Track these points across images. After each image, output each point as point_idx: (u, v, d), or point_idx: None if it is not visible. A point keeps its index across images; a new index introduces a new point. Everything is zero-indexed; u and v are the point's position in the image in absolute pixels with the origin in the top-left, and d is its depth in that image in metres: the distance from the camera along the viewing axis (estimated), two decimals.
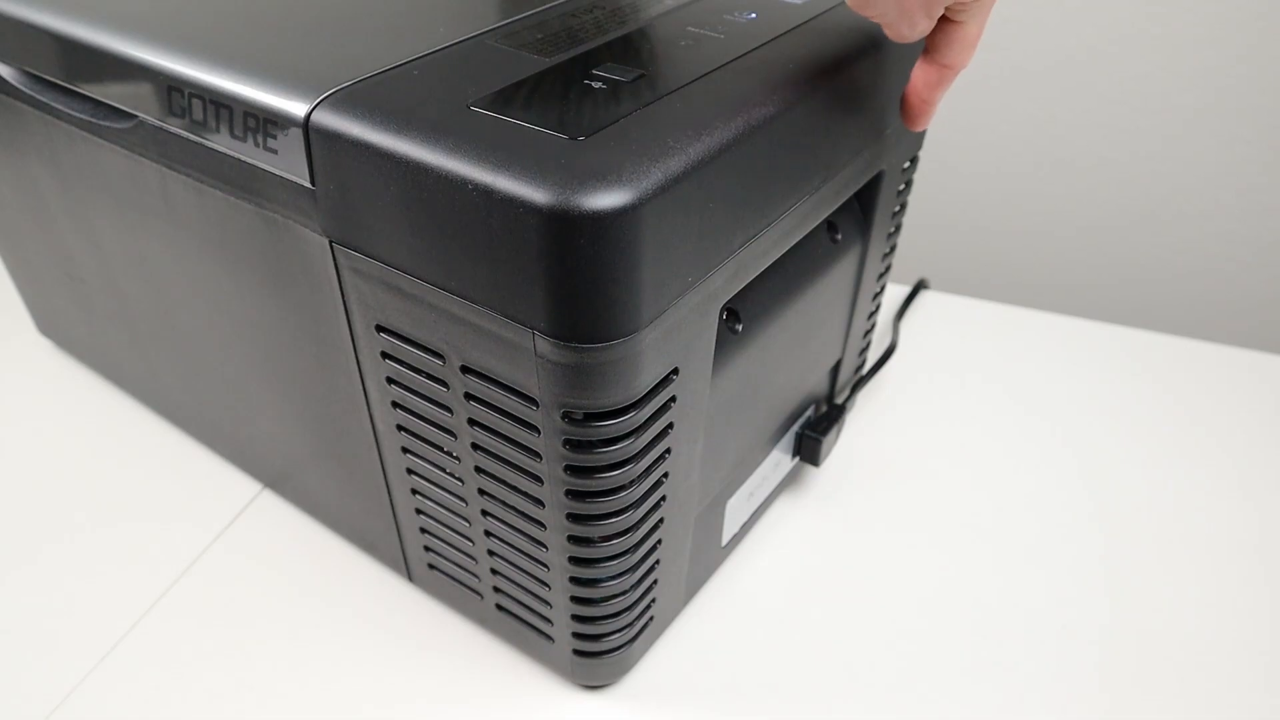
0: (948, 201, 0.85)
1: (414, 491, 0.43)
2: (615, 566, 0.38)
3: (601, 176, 0.28)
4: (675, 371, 0.34)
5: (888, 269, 0.53)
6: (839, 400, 0.55)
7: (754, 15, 0.40)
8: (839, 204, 0.42)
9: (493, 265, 0.30)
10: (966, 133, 0.81)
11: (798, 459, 0.54)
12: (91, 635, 0.47)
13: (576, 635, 0.42)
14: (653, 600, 0.43)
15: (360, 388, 0.40)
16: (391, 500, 0.45)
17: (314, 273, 0.37)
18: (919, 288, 0.73)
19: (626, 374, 0.32)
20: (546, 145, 0.29)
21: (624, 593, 0.40)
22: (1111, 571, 0.52)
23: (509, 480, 0.37)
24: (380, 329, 0.36)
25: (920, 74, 0.38)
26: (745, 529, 0.52)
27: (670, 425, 0.36)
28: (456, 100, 0.32)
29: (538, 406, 0.33)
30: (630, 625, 0.42)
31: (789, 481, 0.56)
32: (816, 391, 0.52)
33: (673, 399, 0.35)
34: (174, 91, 0.37)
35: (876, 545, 0.53)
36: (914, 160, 0.49)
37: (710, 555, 0.48)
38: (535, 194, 0.28)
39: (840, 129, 0.39)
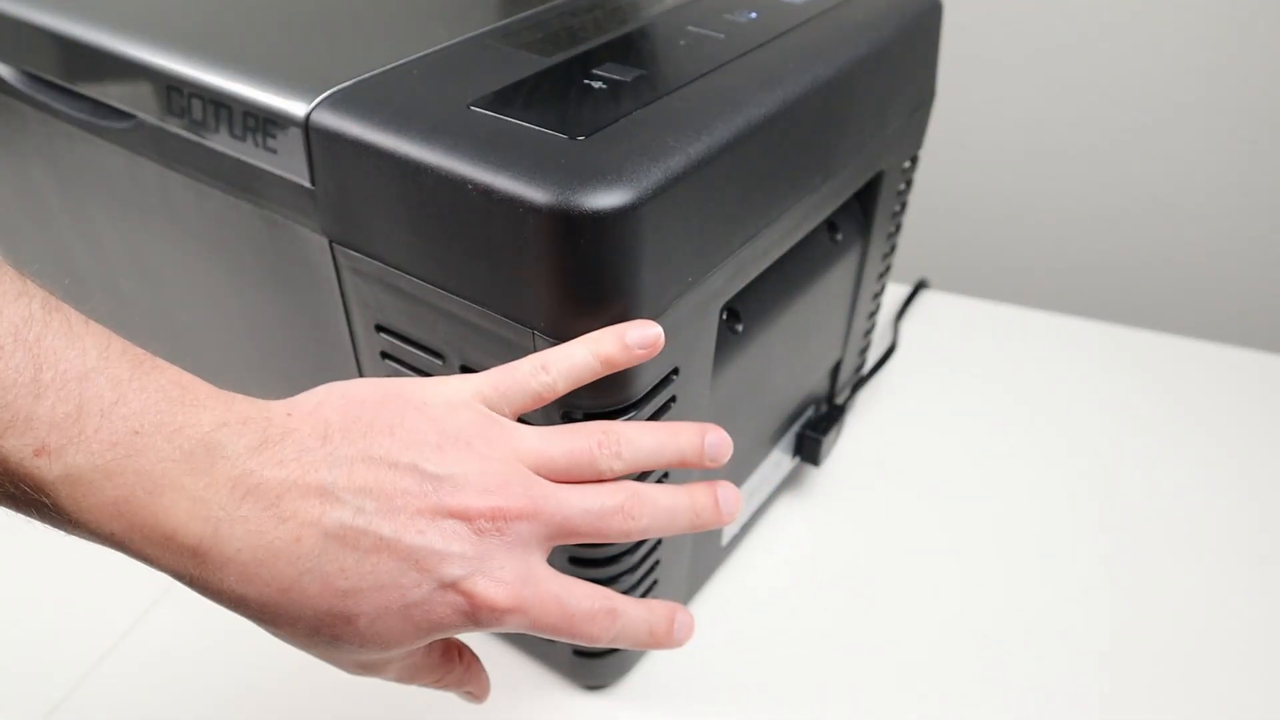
0: (948, 201, 0.85)
1: None
2: (615, 567, 0.38)
3: (601, 176, 0.28)
4: (675, 371, 0.34)
5: (888, 269, 0.53)
6: (839, 400, 0.55)
7: (754, 15, 0.40)
8: (839, 204, 0.42)
9: (493, 265, 0.30)
10: (967, 132, 0.81)
11: (798, 459, 0.53)
12: (91, 635, 0.47)
13: None
14: None
15: None
16: None
17: (314, 273, 0.37)
18: (919, 288, 0.73)
19: (626, 374, 0.32)
20: (546, 145, 0.29)
21: (624, 593, 0.40)
22: (1113, 570, 0.52)
23: None
24: (380, 329, 0.36)
25: None
26: (745, 529, 0.52)
27: None
28: (456, 100, 0.32)
29: None
30: None
31: (789, 481, 0.56)
32: (816, 391, 0.52)
33: (673, 399, 0.35)
34: (173, 91, 0.37)
35: (876, 545, 0.53)
36: (914, 160, 0.49)
37: (710, 555, 0.48)
38: (535, 193, 0.28)
39: (840, 129, 0.39)
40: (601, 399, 0.32)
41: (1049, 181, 0.81)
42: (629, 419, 0.33)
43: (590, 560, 0.38)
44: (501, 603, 0.25)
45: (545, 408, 0.32)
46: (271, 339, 0.43)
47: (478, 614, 0.25)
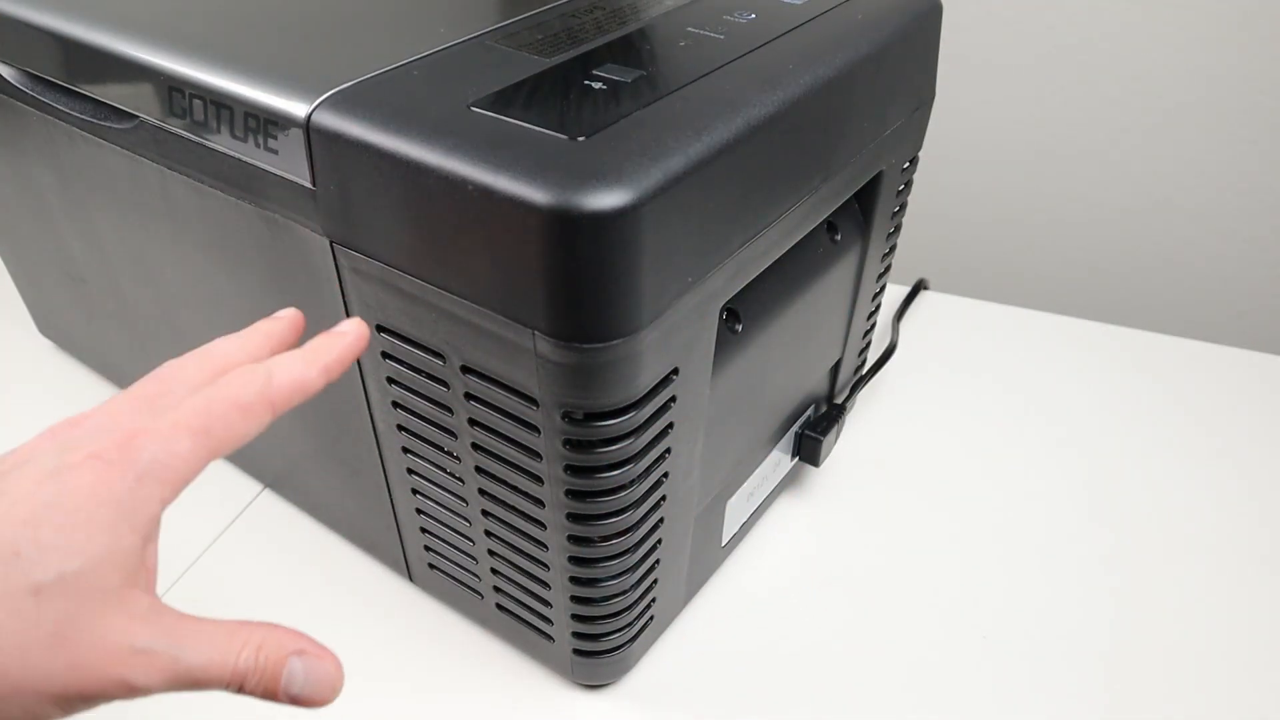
0: (947, 201, 0.85)
1: (414, 491, 0.43)
2: (615, 566, 0.38)
3: (602, 176, 0.28)
4: (675, 371, 0.34)
5: (887, 269, 0.53)
6: (839, 400, 0.55)
7: (753, 16, 0.40)
8: (839, 204, 0.43)
9: (493, 265, 0.30)
10: (966, 133, 0.81)
11: (797, 459, 0.54)
12: None
13: (576, 635, 0.42)
14: (653, 600, 0.43)
15: (361, 388, 0.40)
16: (392, 500, 0.45)
17: (314, 273, 0.37)
18: (919, 288, 0.73)
19: (627, 374, 0.32)
20: (547, 145, 0.29)
21: (624, 592, 0.40)
22: (1113, 570, 0.52)
23: (509, 480, 0.37)
24: (381, 329, 0.36)
25: None
26: (745, 529, 0.52)
27: (670, 425, 0.36)
28: (457, 100, 0.32)
29: (538, 406, 0.33)
30: (630, 625, 0.42)
31: (789, 481, 0.56)
32: (816, 391, 0.52)
33: (673, 399, 0.35)
34: (175, 92, 0.37)
35: (876, 545, 0.53)
36: (914, 160, 0.49)
37: (710, 555, 0.48)
38: (535, 194, 0.28)
39: (840, 129, 0.39)
40: (601, 399, 0.32)
41: (1048, 182, 0.81)
42: (629, 419, 0.33)
43: (590, 560, 0.38)
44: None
45: (545, 408, 0.33)
46: None
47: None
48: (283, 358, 0.28)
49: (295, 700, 0.26)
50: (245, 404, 0.26)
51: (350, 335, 0.29)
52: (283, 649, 0.26)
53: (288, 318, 0.31)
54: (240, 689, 0.25)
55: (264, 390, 0.26)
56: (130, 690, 0.23)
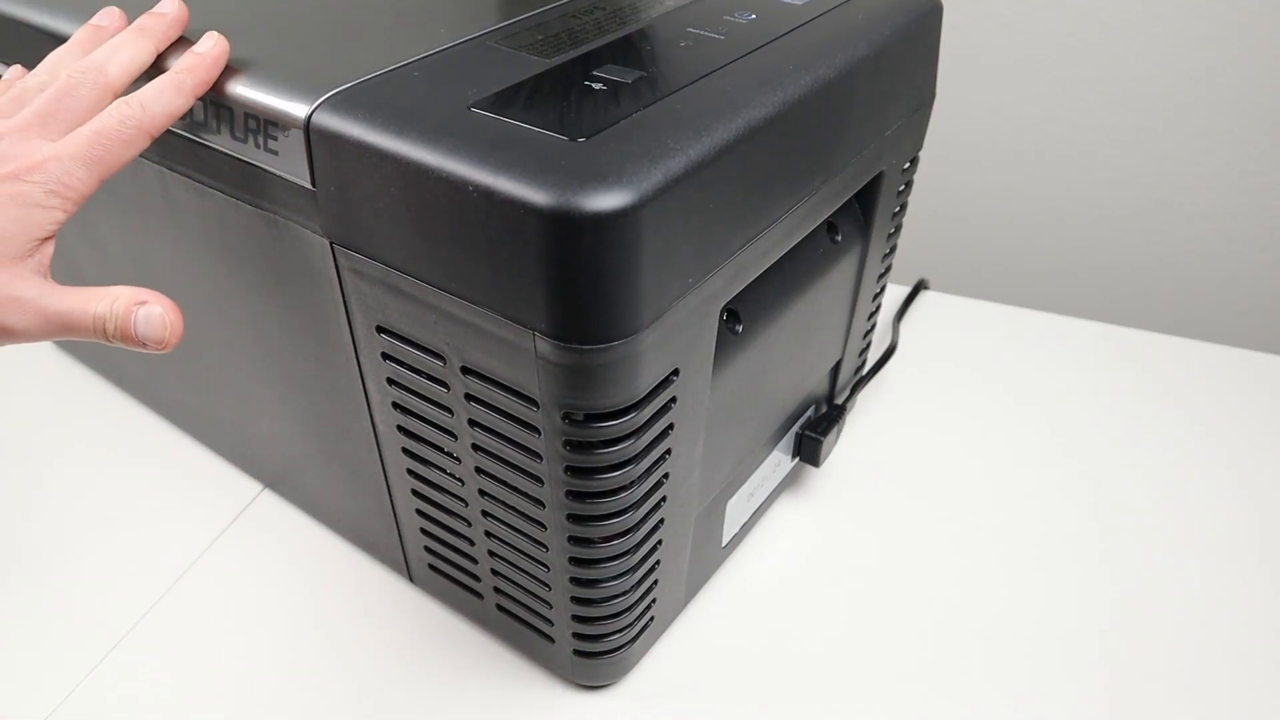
0: (948, 201, 0.86)
1: (414, 492, 0.43)
2: (615, 567, 0.38)
3: (602, 177, 0.28)
4: (675, 372, 0.34)
5: (888, 269, 0.53)
6: (839, 400, 0.55)
7: (753, 16, 0.40)
8: (839, 204, 0.43)
9: (493, 266, 0.30)
10: (967, 132, 0.81)
11: (798, 459, 0.54)
12: (91, 635, 0.47)
13: (576, 635, 0.42)
14: (653, 600, 0.43)
15: (361, 388, 0.40)
16: (392, 501, 0.45)
17: (314, 274, 0.37)
18: (919, 288, 0.73)
19: (627, 375, 0.32)
20: (547, 146, 0.29)
21: (624, 593, 0.40)
22: (1113, 572, 0.52)
23: (509, 481, 0.37)
24: (381, 330, 0.36)
25: None
26: (745, 529, 0.52)
27: (671, 426, 0.36)
28: (457, 101, 0.32)
29: (538, 407, 0.33)
30: (630, 625, 0.42)
31: (789, 482, 0.56)
32: (816, 392, 0.52)
33: (673, 400, 0.35)
34: None
35: (876, 546, 0.53)
36: (914, 161, 0.49)
37: (710, 555, 0.48)
38: (536, 195, 0.28)
39: (840, 129, 0.39)
40: (602, 400, 0.32)
41: (1048, 182, 0.81)
42: (630, 420, 0.33)
43: (590, 560, 0.38)
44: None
45: (545, 408, 0.33)
46: (272, 340, 0.43)
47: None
48: (154, 88, 0.33)
49: (143, 341, 0.33)
50: (127, 139, 0.33)
51: (211, 53, 0.35)
52: (132, 300, 0.32)
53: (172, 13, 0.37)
54: (104, 334, 0.32)
55: (141, 124, 0.33)
56: (8, 333, 0.31)
